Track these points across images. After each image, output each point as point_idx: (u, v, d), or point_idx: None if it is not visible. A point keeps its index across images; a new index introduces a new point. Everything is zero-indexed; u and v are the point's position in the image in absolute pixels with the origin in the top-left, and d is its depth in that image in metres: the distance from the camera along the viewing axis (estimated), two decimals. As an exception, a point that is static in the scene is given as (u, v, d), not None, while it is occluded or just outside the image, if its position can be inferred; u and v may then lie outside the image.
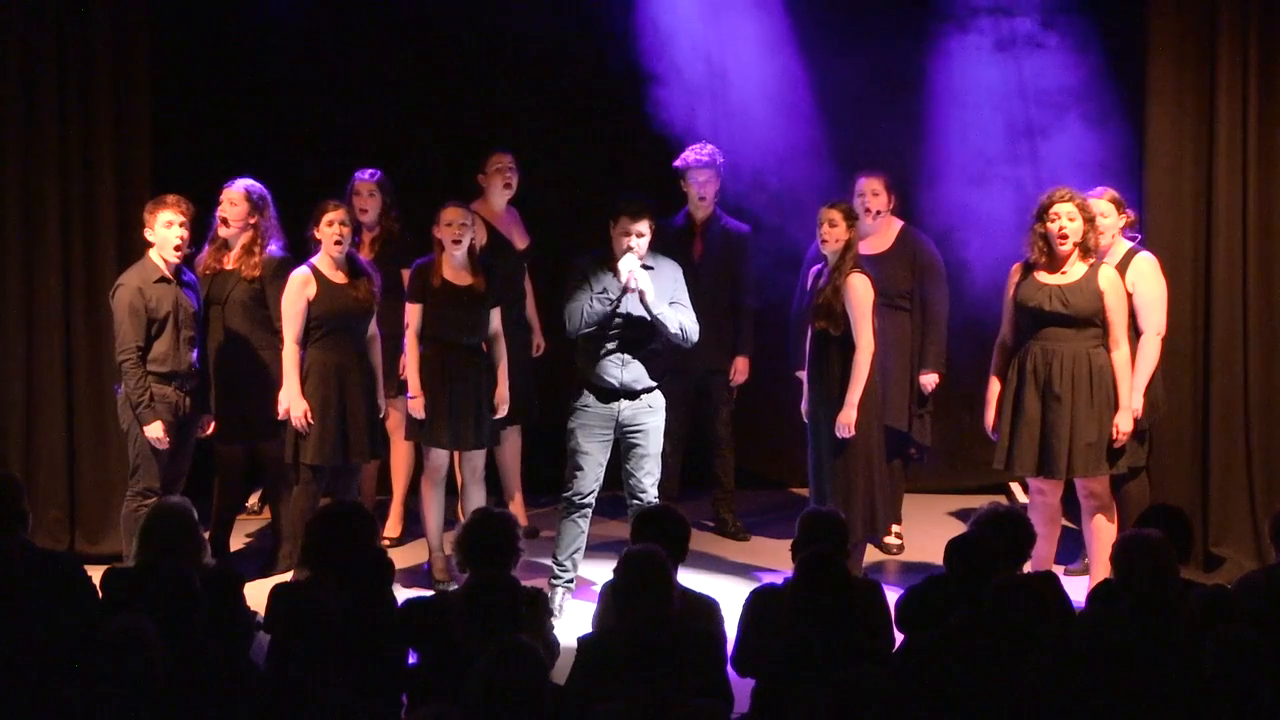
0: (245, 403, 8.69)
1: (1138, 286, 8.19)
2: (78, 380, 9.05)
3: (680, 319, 8.14)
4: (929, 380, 9.14)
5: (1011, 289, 8.13)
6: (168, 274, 8.27)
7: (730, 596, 7.03)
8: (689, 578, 7.07)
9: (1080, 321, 7.96)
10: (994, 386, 8.19)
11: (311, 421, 8.26)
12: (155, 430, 8.17)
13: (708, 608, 6.35)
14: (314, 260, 8.38)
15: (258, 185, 8.77)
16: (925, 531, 9.34)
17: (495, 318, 8.57)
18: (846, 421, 8.17)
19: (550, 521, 9.14)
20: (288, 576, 8.07)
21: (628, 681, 5.53)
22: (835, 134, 9.86)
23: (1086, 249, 8.00)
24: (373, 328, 8.50)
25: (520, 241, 9.29)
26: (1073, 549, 8.73)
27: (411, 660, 6.20)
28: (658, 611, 5.80)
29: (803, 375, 8.54)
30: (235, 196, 8.72)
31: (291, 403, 8.27)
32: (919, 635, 6.09)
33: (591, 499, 8.23)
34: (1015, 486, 9.98)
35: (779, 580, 6.47)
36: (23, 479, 7.11)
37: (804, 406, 8.46)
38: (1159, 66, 8.73)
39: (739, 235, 9.50)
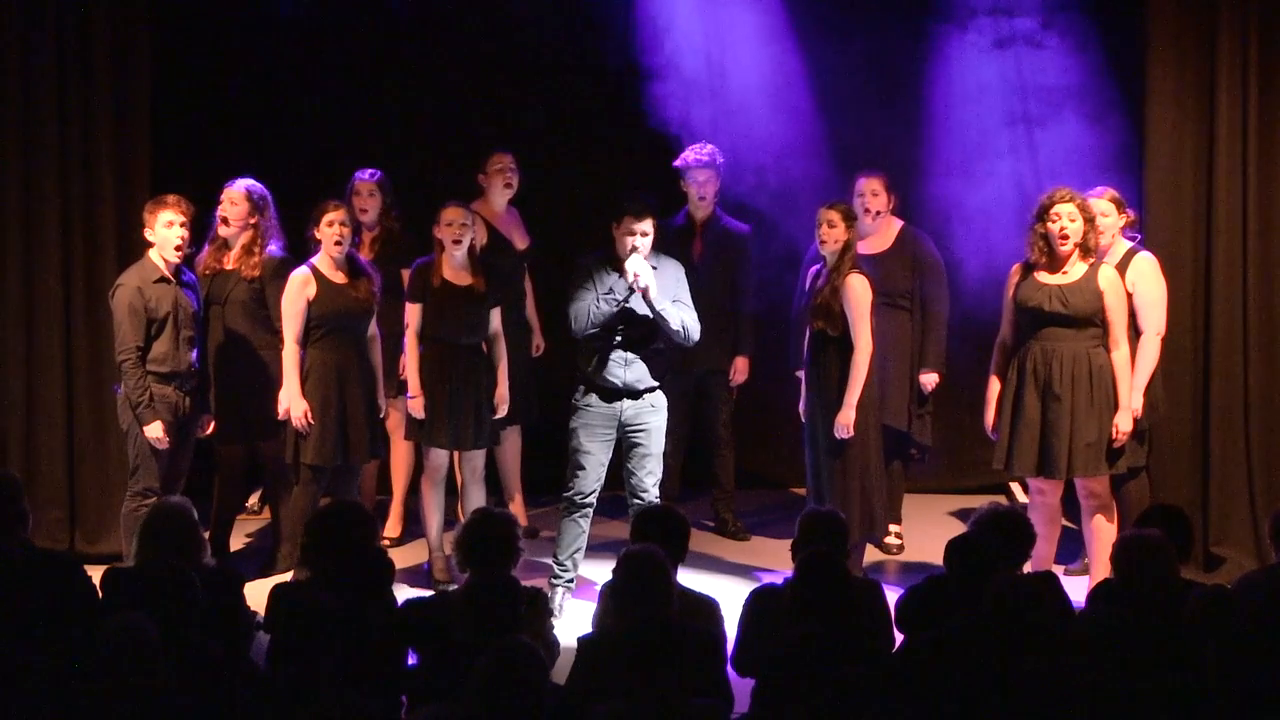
0: (245, 403, 8.69)
1: (1137, 286, 8.20)
2: (78, 380, 9.05)
3: (682, 317, 8.14)
4: (929, 380, 9.14)
5: (1011, 289, 8.13)
6: (167, 274, 8.27)
7: (730, 596, 7.03)
8: (689, 578, 7.07)
9: (1080, 321, 7.96)
10: (994, 386, 8.19)
11: (311, 421, 8.26)
12: (155, 430, 8.17)
13: (708, 608, 6.35)
14: (314, 260, 8.38)
15: (258, 185, 8.77)
16: (925, 531, 9.34)
17: (495, 318, 8.57)
18: (845, 422, 8.18)
19: (550, 521, 9.14)
20: (288, 576, 8.06)
21: (628, 681, 5.53)
22: (834, 132, 9.86)
23: (1087, 249, 8.00)
24: (373, 328, 8.50)
25: (520, 242, 9.28)
26: (1073, 549, 8.73)
27: (411, 661, 6.20)
28: (657, 612, 5.80)
29: (802, 375, 8.54)
30: (236, 196, 8.72)
31: (291, 403, 8.27)
32: (919, 635, 6.09)
33: (593, 499, 8.23)
34: (1015, 486, 9.98)
35: (779, 580, 6.47)
36: (23, 479, 7.10)
37: (802, 407, 8.46)
38: (1159, 66, 8.73)
39: (739, 235, 9.50)
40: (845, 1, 10.10)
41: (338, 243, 8.33)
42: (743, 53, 9.80)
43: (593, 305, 8.08)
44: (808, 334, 8.40)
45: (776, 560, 8.81)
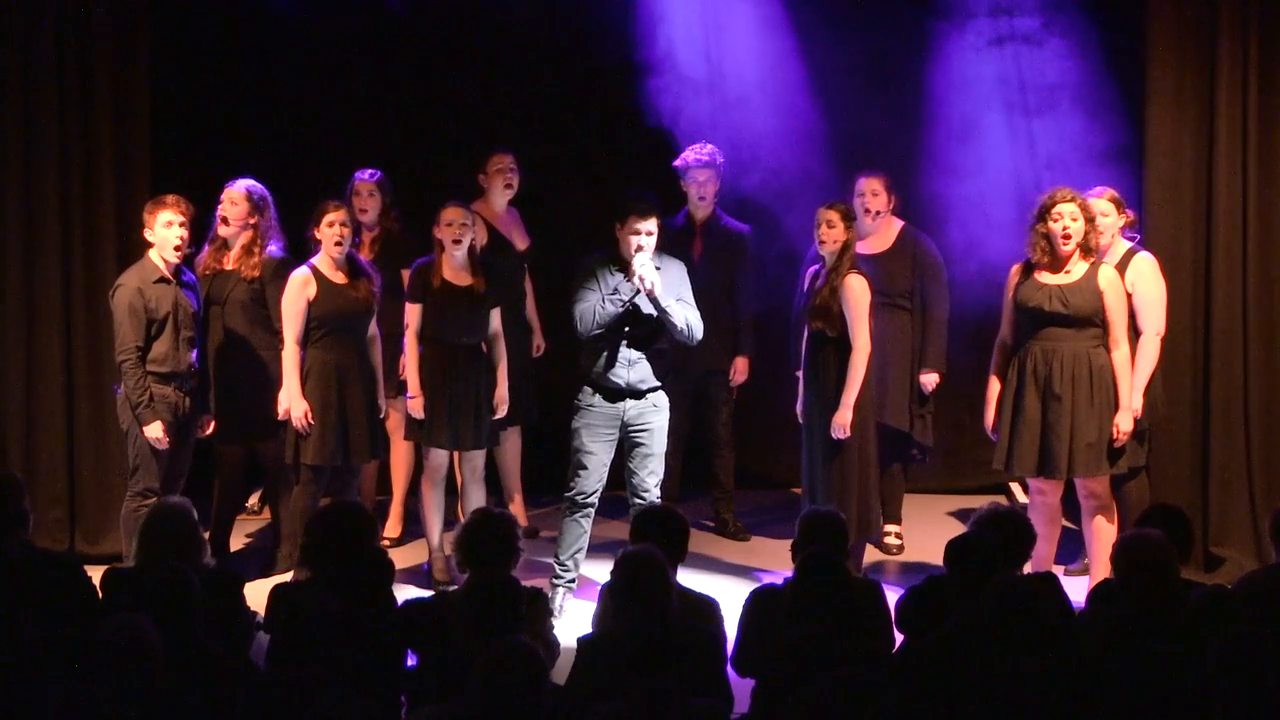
0: (245, 403, 8.69)
1: (1137, 286, 8.19)
2: (78, 380, 9.05)
3: (686, 315, 8.14)
4: (929, 380, 9.14)
5: (1011, 289, 8.13)
6: (167, 274, 8.27)
7: (730, 596, 7.03)
8: (689, 578, 7.08)
9: (1080, 321, 7.96)
10: (994, 386, 8.19)
11: (311, 422, 8.26)
12: (155, 430, 8.17)
13: (708, 608, 6.35)
14: (314, 260, 8.38)
15: (258, 185, 8.77)
16: (925, 531, 9.34)
17: (495, 318, 8.57)
18: (842, 422, 8.17)
19: (551, 521, 9.15)
20: (288, 576, 8.07)
21: (627, 681, 5.54)
22: (834, 131, 9.84)
23: (1087, 249, 8.00)
24: (373, 328, 8.50)
25: (520, 242, 9.28)
26: (1073, 549, 8.73)
27: (411, 661, 6.19)
28: (656, 612, 5.80)
29: (801, 375, 8.54)
30: (236, 196, 8.72)
31: (292, 403, 8.27)
32: (919, 635, 6.09)
33: (595, 499, 8.23)
34: (1015, 486, 9.98)
35: (779, 580, 6.47)
36: (23, 479, 7.10)
37: (799, 407, 8.46)
38: (1159, 66, 8.73)
39: (739, 235, 9.50)
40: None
41: (338, 243, 8.33)
42: (742, 51, 9.80)
43: (598, 306, 8.08)
44: (805, 334, 8.40)
45: (776, 560, 8.81)
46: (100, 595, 6.36)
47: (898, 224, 9.15)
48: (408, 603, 6.35)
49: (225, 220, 8.74)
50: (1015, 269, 8.16)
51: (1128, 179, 8.81)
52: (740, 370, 9.52)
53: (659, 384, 8.23)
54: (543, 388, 9.43)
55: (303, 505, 8.29)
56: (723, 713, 5.60)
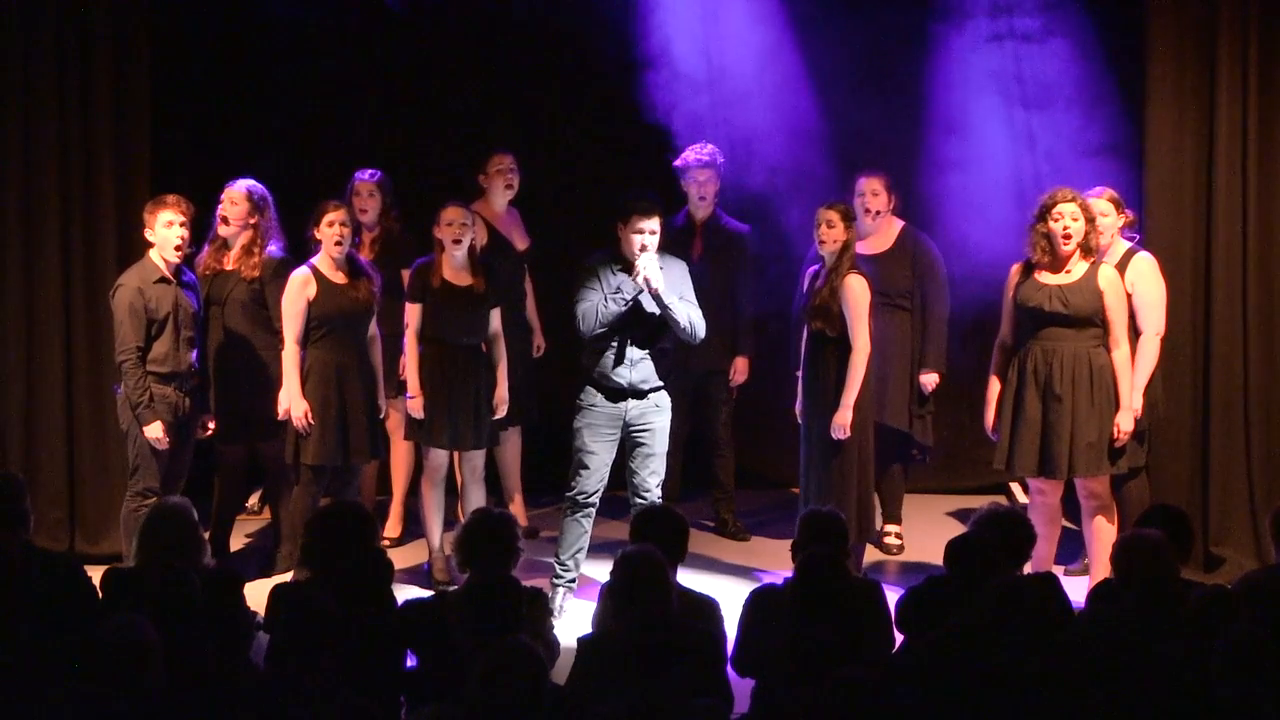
0: (245, 403, 8.69)
1: (1137, 287, 8.19)
2: (78, 380, 9.05)
3: (689, 314, 8.15)
4: (929, 380, 9.14)
5: (1011, 289, 8.13)
6: (167, 274, 8.27)
7: (730, 596, 7.02)
8: (689, 578, 7.07)
9: (1080, 321, 7.96)
10: (994, 386, 8.19)
11: (312, 422, 8.26)
12: (155, 430, 8.17)
13: (708, 608, 6.35)
14: (314, 260, 8.38)
15: (259, 185, 8.77)
16: (925, 531, 9.34)
17: (495, 318, 8.57)
18: (842, 423, 8.17)
19: (551, 521, 9.15)
20: (288, 576, 8.07)
21: (627, 682, 5.54)
22: (834, 130, 9.84)
23: (1087, 249, 8.00)
24: (373, 328, 8.50)
25: (520, 242, 9.28)
26: (1073, 549, 8.72)
27: (411, 662, 6.19)
28: (655, 612, 5.80)
29: (800, 375, 8.54)
30: (237, 196, 8.72)
31: (292, 403, 8.27)
32: (919, 635, 6.09)
33: (596, 499, 8.23)
34: (1015, 486, 9.98)
35: (779, 580, 6.47)
36: (23, 479, 7.09)
37: (799, 407, 8.46)
38: (1159, 66, 8.73)
39: (739, 235, 9.50)
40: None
41: (338, 243, 8.33)
42: (742, 48, 9.78)
43: (600, 305, 8.08)
44: (805, 334, 8.40)
45: (776, 560, 8.81)
46: (100, 595, 6.35)
47: (898, 224, 9.15)
48: (408, 603, 6.35)
49: (225, 220, 8.74)
50: (1015, 269, 8.16)
51: (1127, 177, 8.81)
52: (740, 370, 9.52)
53: (661, 384, 8.23)
54: (543, 388, 9.43)
55: (303, 505, 8.29)
56: (723, 713, 5.59)
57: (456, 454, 8.69)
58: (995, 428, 8.15)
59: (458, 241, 8.42)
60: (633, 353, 8.14)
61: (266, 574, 8.61)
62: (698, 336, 8.24)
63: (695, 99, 9.63)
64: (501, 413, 8.60)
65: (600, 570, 7.77)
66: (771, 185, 9.64)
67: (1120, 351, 7.99)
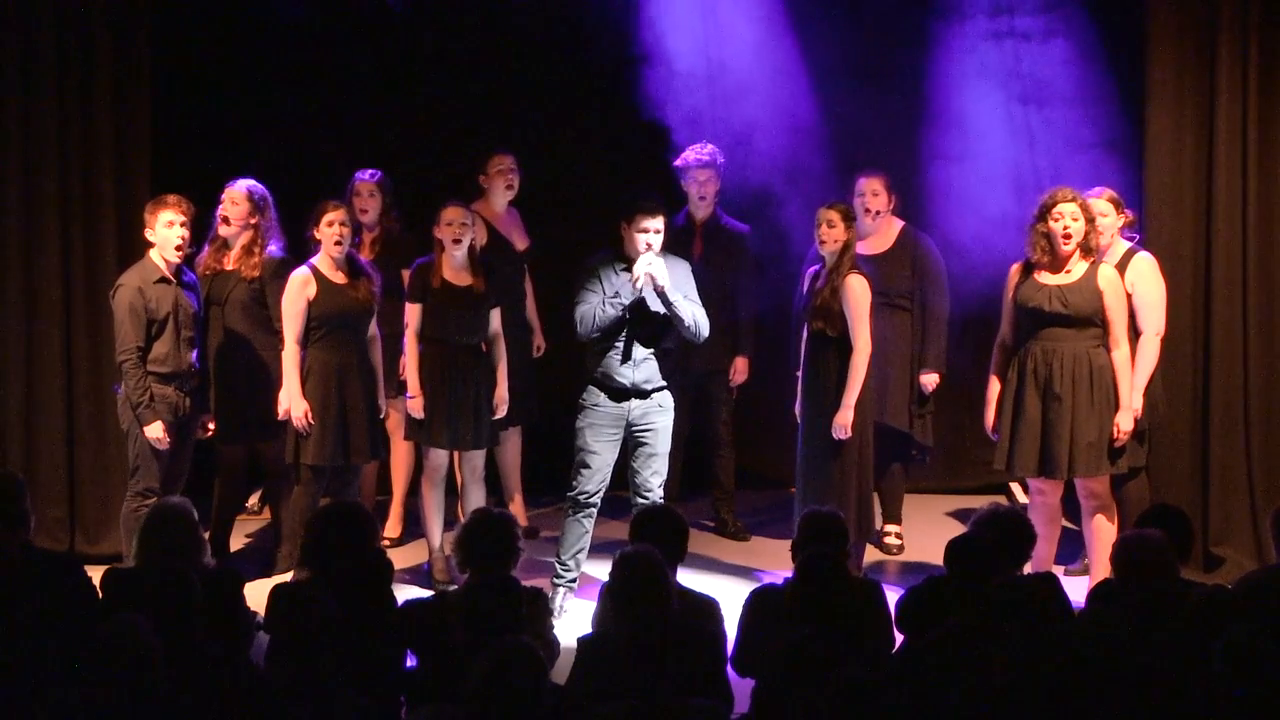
0: (245, 403, 8.69)
1: (1137, 287, 8.19)
2: (78, 380, 9.05)
3: (693, 312, 8.15)
4: (929, 380, 9.14)
5: (1011, 289, 8.13)
6: (168, 274, 8.27)
7: (730, 596, 7.03)
8: (689, 578, 7.07)
9: (1080, 321, 7.96)
10: (994, 386, 8.19)
11: (312, 422, 8.26)
12: (155, 430, 8.17)
13: (708, 608, 6.35)
14: (314, 260, 8.39)
15: (259, 185, 8.77)
16: (925, 531, 9.34)
17: (495, 318, 8.57)
18: (843, 423, 8.17)
19: (551, 521, 9.15)
20: (288, 576, 8.07)
21: (627, 682, 5.53)
22: (834, 129, 9.84)
23: (1087, 249, 8.00)
24: (373, 328, 8.51)
25: (520, 242, 9.28)
26: (1073, 549, 8.73)
27: (411, 662, 6.19)
28: (655, 612, 5.80)
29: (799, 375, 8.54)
30: (237, 196, 8.72)
31: (292, 403, 8.27)
32: (919, 635, 6.09)
33: (597, 499, 8.23)
34: (1015, 486, 9.98)
35: (779, 580, 6.47)
36: (23, 479, 7.08)
37: (797, 407, 8.46)
38: (1159, 66, 8.73)
39: (739, 235, 9.50)
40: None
41: (338, 243, 8.34)
42: (741, 46, 9.77)
43: (599, 308, 8.08)
44: (805, 334, 8.40)
45: (776, 560, 8.81)
46: (100, 595, 6.35)
47: (898, 224, 9.15)
48: (408, 603, 6.36)
49: (226, 220, 8.74)
50: (1015, 269, 8.15)
51: (1127, 177, 8.81)
52: (740, 370, 9.52)
53: (664, 384, 8.23)
54: (543, 388, 9.42)
55: (303, 505, 8.29)
56: (723, 713, 5.60)
57: (456, 454, 8.69)
58: (995, 428, 8.15)
59: (458, 241, 8.41)
60: (637, 352, 8.14)
61: (266, 574, 8.60)
62: (702, 335, 8.24)
63: (694, 96, 9.62)
64: (501, 413, 8.60)
65: (600, 570, 7.76)
66: (770, 182, 9.63)
67: (1120, 351, 7.99)
